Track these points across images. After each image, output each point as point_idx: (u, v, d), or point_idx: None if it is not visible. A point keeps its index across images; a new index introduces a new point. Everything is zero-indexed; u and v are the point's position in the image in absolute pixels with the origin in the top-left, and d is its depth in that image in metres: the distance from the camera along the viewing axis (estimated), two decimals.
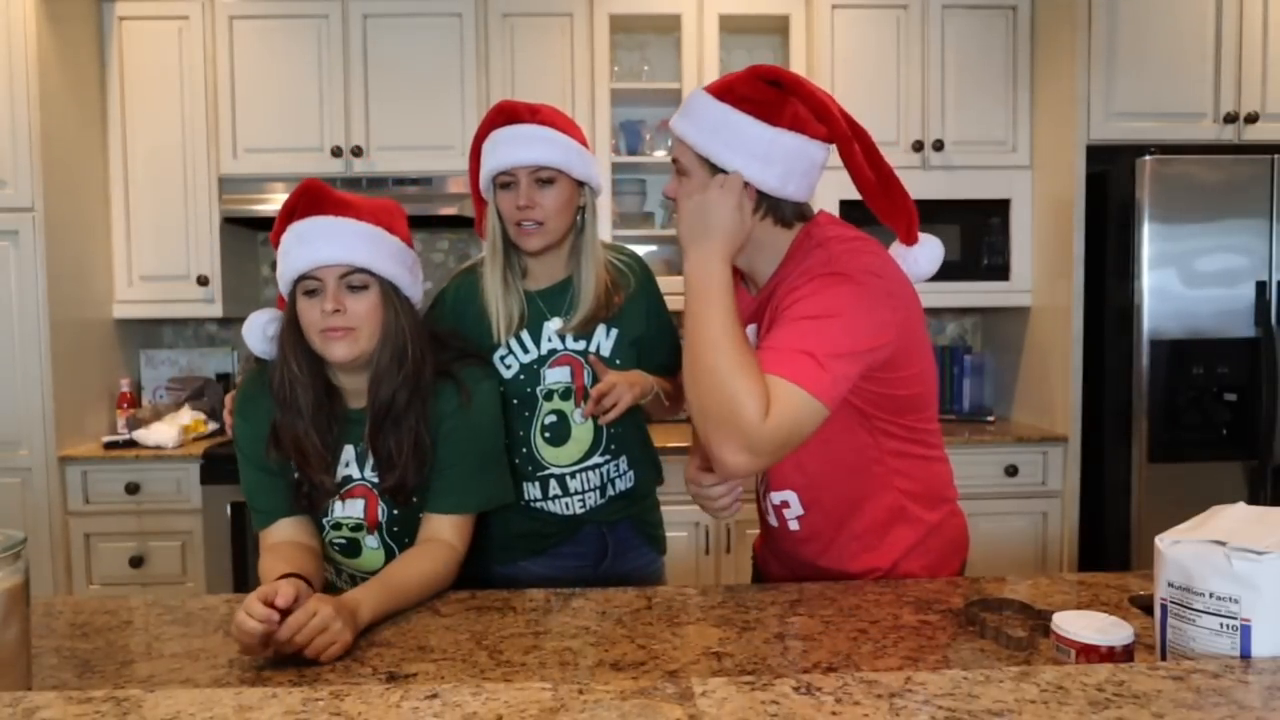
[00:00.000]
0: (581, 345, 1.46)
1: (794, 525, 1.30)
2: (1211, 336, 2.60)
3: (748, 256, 1.24)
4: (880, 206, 1.23)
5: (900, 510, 1.26)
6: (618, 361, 1.47)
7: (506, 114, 1.40)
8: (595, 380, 1.43)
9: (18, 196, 2.60)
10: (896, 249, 1.29)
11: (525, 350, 1.45)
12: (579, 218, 1.46)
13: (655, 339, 1.53)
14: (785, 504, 1.29)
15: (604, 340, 1.46)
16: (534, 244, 1.40)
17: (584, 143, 1.44)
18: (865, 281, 1.11)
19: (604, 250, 1.50)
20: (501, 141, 1.38)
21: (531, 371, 1.45)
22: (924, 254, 1.29)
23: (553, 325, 1.45)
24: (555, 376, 1.45)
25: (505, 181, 1.39)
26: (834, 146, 1.19)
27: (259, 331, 1.31)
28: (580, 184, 1.43)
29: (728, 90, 1.17)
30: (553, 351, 1.45)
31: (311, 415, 1.26)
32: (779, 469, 1.27)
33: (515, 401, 1.46)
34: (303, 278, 1.22)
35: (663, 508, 1.64)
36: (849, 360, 1.07)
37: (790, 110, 1.15)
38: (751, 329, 1.26)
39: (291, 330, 1.25)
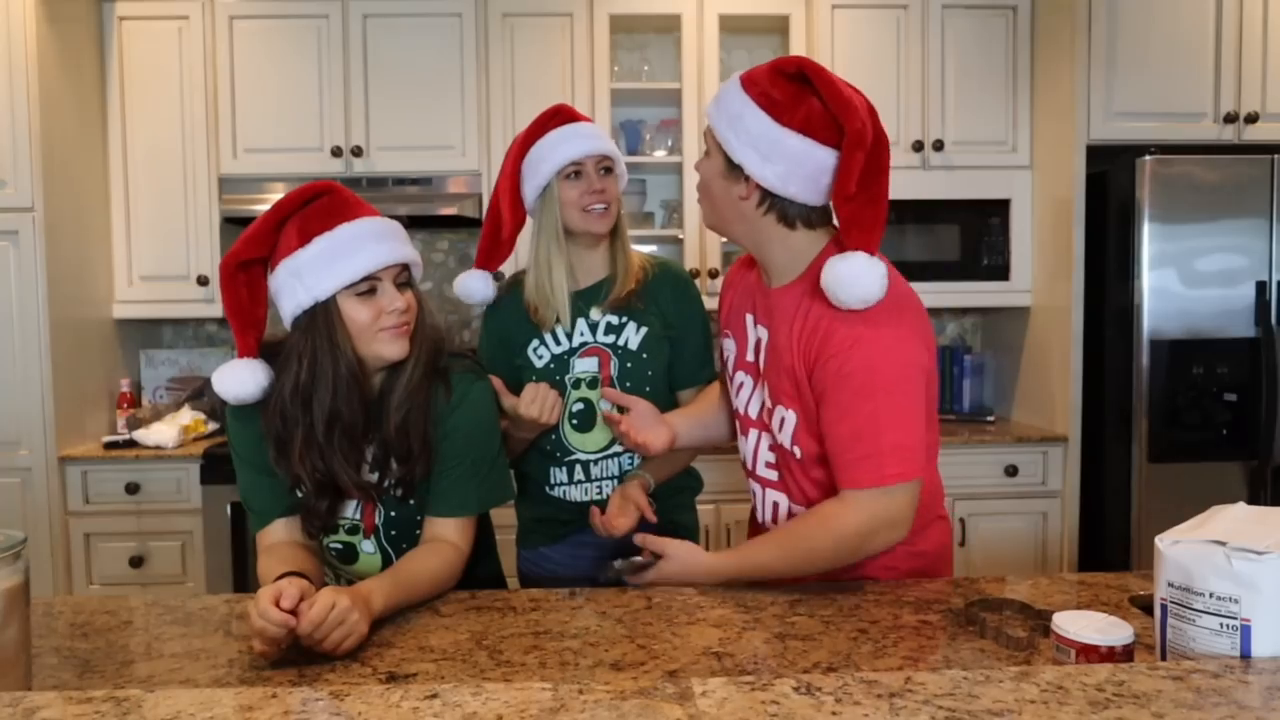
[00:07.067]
0: (611, 339, 1.55)
1: None
2: (1211, 336, 2.60)
3: (756, 245, 1.26)
4: (847, 212, 1.14)
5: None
6: (645, 355, 1.54)
7: (564, 115, 1.53)
8: (622, 372, 1.54)
9: (18, 196, 2.59)
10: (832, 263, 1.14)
11: (558, 342, 1.55)
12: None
13: (686, 333, 1.59)
14: (775, 504, 1.32)
15: (633, 335, 1.54)
16: (603, 226, 1.51)
17: None
18: (909, 340, 1.16)
19: (643, 256, 1.60)
20: (569, 137, 1.50)
21: (562, 361, 1.54)
22: (848, 269, 1.11)
23: (587, 319, 1.54)
24: (584, 366, 1.54)
25: (573, 172, 1.49)
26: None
27: (248, 378, 1.23)
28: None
29: (753, 82, 1.18)
30: (584, 344, 1.55)
31: (354, 451, 1.24)
32: (781, 481, 1.30)
33: None
34: (358, 280, 1.18)
35: None
36: (913, 424, 1.15)
37: (804, 111, 1.14)
38: (764, 332, 1.28)
39: (330, 356, 1.19)
